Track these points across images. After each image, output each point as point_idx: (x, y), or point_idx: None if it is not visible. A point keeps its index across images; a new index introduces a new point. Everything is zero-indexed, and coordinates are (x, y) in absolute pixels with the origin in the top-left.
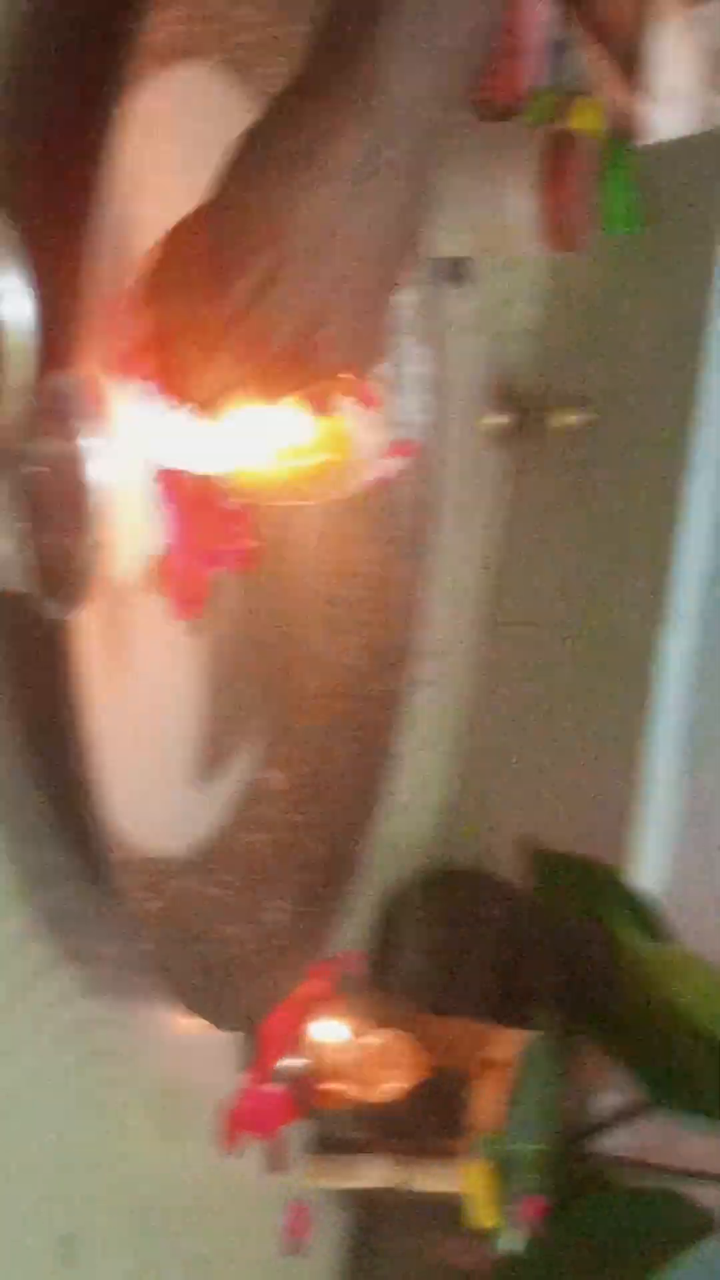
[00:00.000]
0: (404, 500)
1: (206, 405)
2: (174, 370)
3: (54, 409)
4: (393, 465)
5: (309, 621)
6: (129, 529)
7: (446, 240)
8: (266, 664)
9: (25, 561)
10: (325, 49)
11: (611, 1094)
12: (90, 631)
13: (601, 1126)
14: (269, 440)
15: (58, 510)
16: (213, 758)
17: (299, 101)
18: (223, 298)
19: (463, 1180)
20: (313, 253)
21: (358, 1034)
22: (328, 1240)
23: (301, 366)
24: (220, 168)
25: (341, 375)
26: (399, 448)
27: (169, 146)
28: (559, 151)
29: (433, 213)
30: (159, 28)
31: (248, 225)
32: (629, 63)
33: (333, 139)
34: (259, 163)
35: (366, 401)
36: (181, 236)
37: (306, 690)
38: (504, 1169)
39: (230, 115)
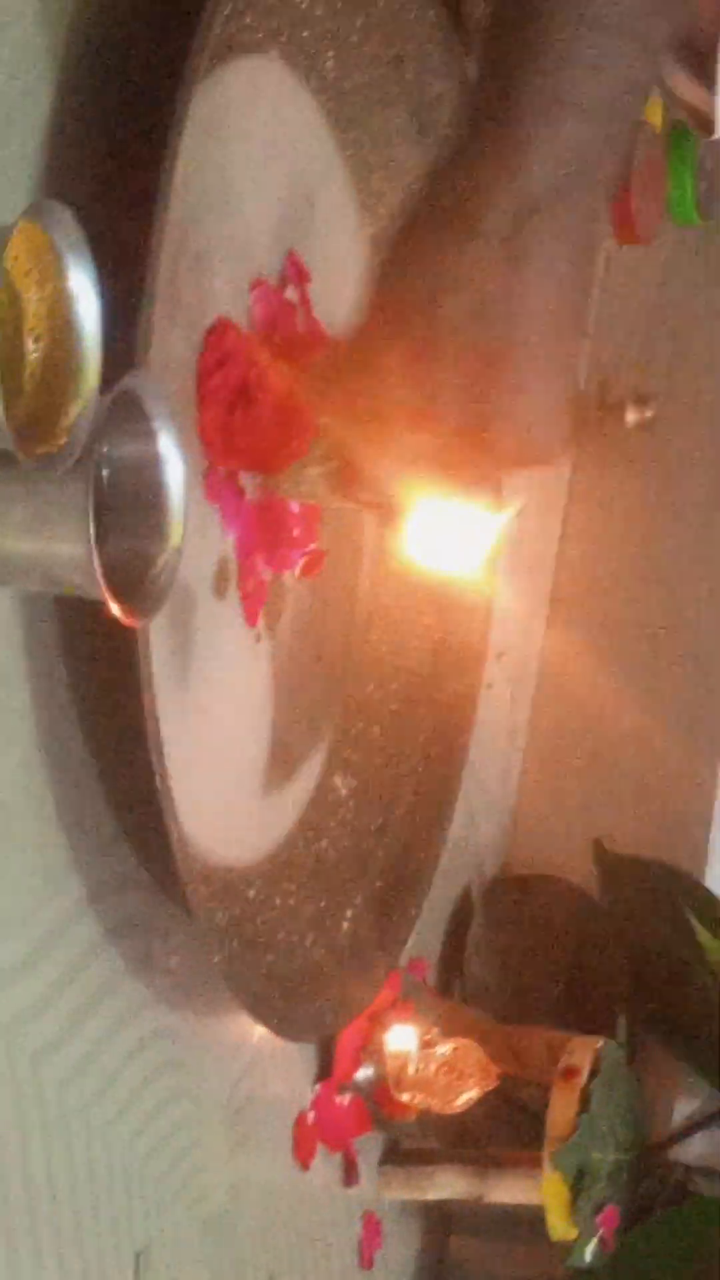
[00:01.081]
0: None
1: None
2: (353, 460)
3: (125, 411)
4: None
5: (375, 625)
6: (201, 532)
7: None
8: (333, 669)
9: (98, 567)
10: (471, 119)
11: (688, 1101)
12: (160, 638)
13: (679, 1134)
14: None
15: (131, 515)
16: (281, 765)
17: (449, 169)
18: (378, 372)
19: (537, 1191)
20: (466, 318)
21: (429, 1043)
22: (401, 1253)
23: (476, 449)
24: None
25: (521, 462)
26: None
27: (232, 143)
28: None
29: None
30: (218, 24)
31: (399, 297)
32: (696, 56)
33: (477, 199)
34: (407, 237)
35: None
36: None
37: (373, 695)
38: (579, 1179)
39: (290, 110)
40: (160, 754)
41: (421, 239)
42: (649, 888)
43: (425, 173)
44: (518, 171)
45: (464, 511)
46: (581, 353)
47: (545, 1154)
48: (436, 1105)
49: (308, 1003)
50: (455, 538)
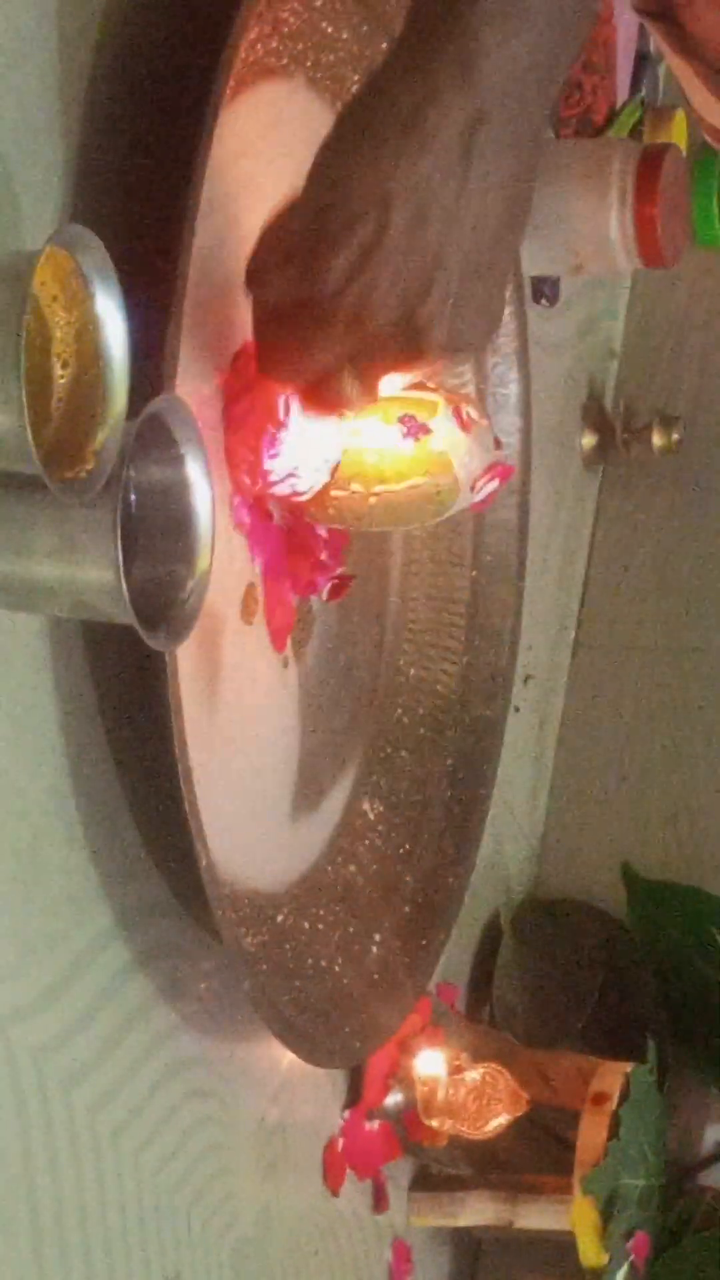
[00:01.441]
0: (495, 523)
1: (314, 390)
2: (279, 353)
3: (153, 436)
4: (489, 488)
5: (402, 650)
6: (229, 557)
7: (536, 258)
8: (360, 694)
9: (126, 593)
10: (420, 22)
11: (718, 1125)
12: (188, 664)
13: (710, 1160)
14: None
15: (158, 540)
16: (309, 790)
17: (395, 75)
18: (322, 273)
19: (568, 1217)
20: (414, 224)
21: (458, 1069)
22: (430, 1279)
23: (408, 342)
24: (319, 145)
25: (451, 354)
26: (494, 471)
27: (258, 166)
28: (648, 166)
29: (536, 197)
30: (244, 48)
31: (345, 198)
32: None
33: (430, 110)
34: (355, 136)
35: (464, 425)
36: (282, 217)
37: (401, 719)
38: (610, 1205)
39: (316, 134)
40: (189, 779)
41: (362, 146)
42: (678, 911)
43: (381, 60)
44: (470, 81)
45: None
46: (519, 258)
47: (575, 1180)
48: (466, 1131)
49: (337, 1029)
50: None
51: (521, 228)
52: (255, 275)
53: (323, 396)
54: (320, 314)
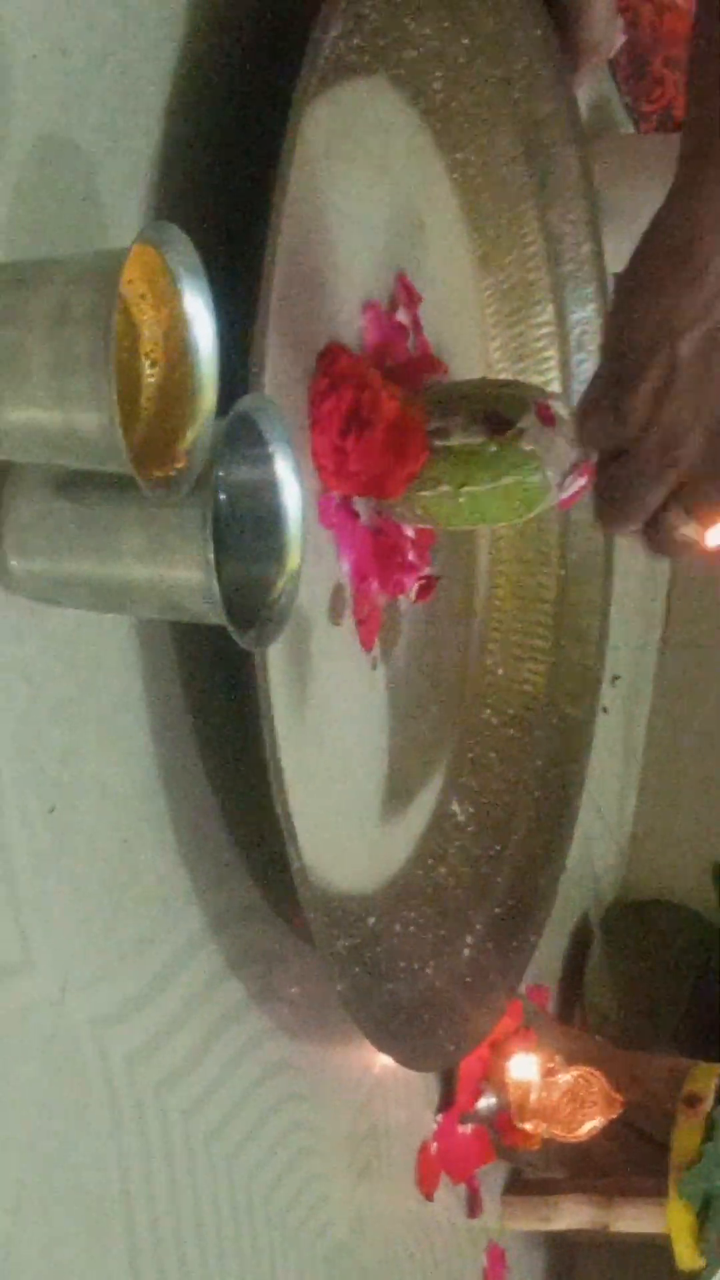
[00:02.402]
0: (581, 521)
1: (652, 536)
2: (606, 500)
3: (241, 434)
4: (576, 486)
5: (490, 650)
6: (316, 557)
7: (619, 256)
8: (449, 694)
9: (217, 593)
10: (691, 152)
11: None
12: (278, 665)
13: None
14: None
15: (248, 539)
16: (399, 792)
17: (670, 206)
18: (624, 414)
19: (663, 1220)
20: (702, 351)
21: (551, 1072)
22: None
23: None
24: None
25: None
26: (582, 468)
27: (342, 164)
28: None
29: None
30: (327, 45)
31: (635, 339)
32: None
33: (702, 241)
34: (637, 278)
35: (551, 422)
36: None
37: (489, 720)
38: (706, 1207)
39: (398, 131)
40: (281, 782)
41: (652, 280)
42: None
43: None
44: None
45: None
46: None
47: (670, 1182)
48: (560, 1134)
49: (429, 1031)
50: None
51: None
52: (581, 427)
53: (659, 541)
54: (632, 455)
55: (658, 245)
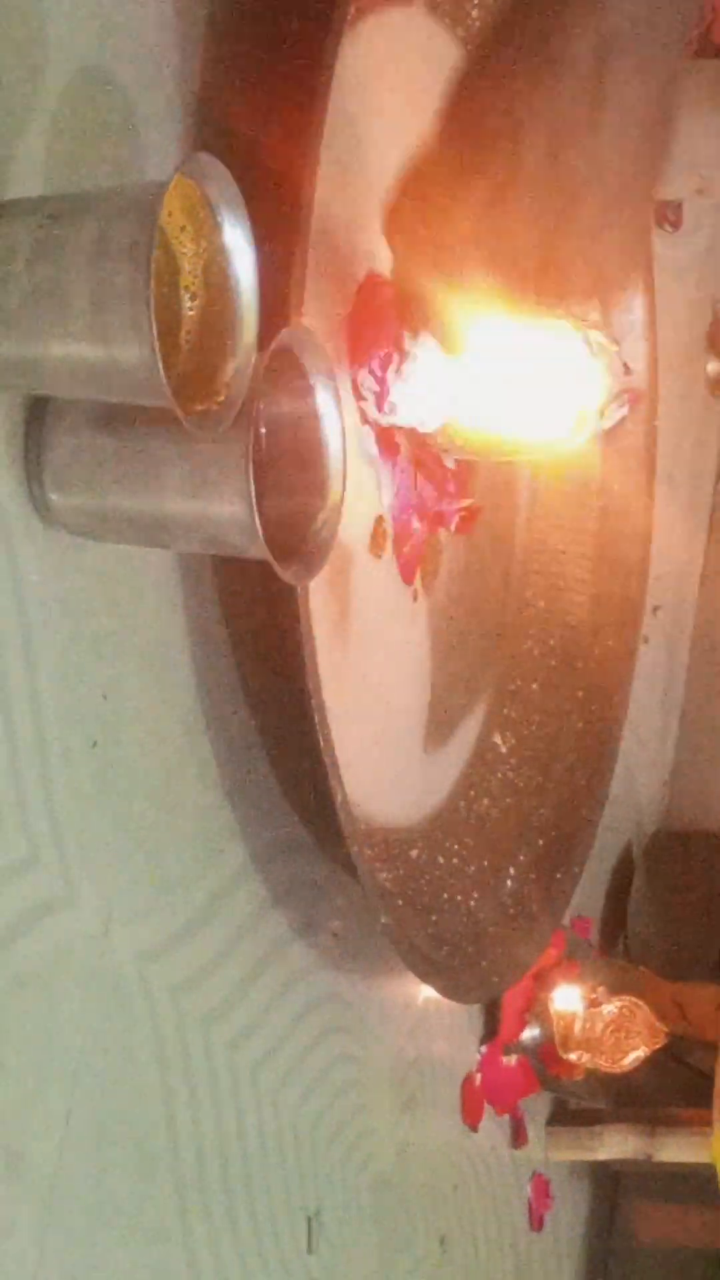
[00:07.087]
0: (622, 450)
1: (456, 330)
2: (422, 290)
3: (282, 367)
4: (618, 414)
5: (531, 582)
6: (357, 490)
7: (664, 183)
8: (490, 626)
9: (259, 527)
10: None
11: None
12: (319, 599)
13: None
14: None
15: (289, 472)
16: (441, 724)
17: (521, 3)
18: (462, 206)
19: (707, 1150)
20: (550, 153)
21: (595, 1002)
22: (571, 1215)
23: (547, 278)
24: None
25: (593, 288)
26: (623, 396)
27: (379, 94)
28: None
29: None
30: None
31: (475, 132)
32: None
33: (560, 35)
34: (481, 64)
35: (592, 350)
36: (416, 160)
37: (531, 651)
38: None
39: (436, 60)
40: (323, 714)
41: (499, 70)
42: None
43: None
44: (601, 6)
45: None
46: (659, 186)
47: (715, 1112)
48: (604, 1065)
49: (473, 963)
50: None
51: (661, 156)
52: (394, 224)
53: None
54: (464, 247)
55: (510, 31)
